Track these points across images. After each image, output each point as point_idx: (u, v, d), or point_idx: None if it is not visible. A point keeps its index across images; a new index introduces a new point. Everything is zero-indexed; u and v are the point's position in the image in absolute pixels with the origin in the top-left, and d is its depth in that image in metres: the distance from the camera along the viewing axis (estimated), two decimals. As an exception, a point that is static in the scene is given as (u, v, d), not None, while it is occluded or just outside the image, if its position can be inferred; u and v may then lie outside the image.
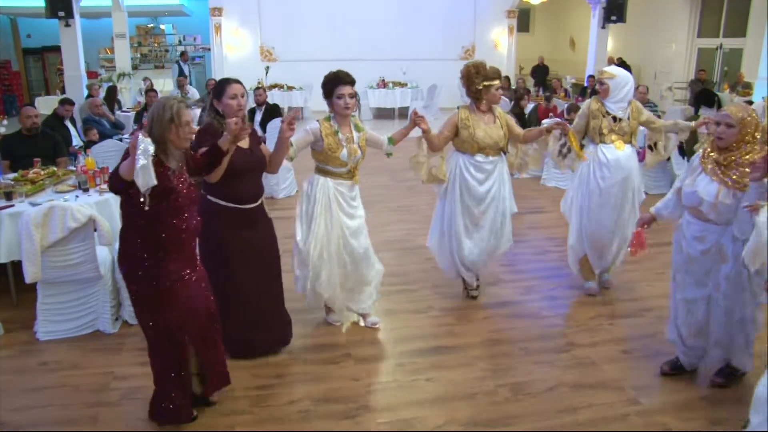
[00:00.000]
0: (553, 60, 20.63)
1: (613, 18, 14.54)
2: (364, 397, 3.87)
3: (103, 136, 8.73)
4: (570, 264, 5.47)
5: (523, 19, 21.15)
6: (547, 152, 5.31)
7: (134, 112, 11.32)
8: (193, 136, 3.30)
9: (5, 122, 6.68)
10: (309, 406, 3.76)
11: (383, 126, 15.71)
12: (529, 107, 11.12)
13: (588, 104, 5.15)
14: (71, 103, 9.08)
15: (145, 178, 2.87)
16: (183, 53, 17.59)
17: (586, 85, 14.74)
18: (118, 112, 11.80)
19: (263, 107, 9.59)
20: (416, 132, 4.73)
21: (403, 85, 16.63)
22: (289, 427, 3.59)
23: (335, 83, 4.29)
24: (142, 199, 3.04)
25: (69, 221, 4.33)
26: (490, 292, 5.44)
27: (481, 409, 3.76)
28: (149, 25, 21.70)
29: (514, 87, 14.54)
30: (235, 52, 17.95)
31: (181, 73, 16.60)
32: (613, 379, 4.08)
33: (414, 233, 6.86)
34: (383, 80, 16.59)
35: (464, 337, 4.65)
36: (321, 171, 4.42)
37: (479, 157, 4.89)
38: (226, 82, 3.94)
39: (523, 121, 9.90)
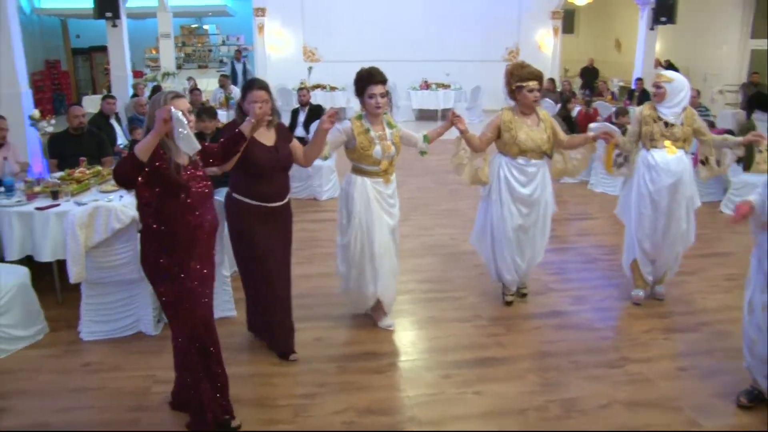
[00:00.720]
0: (598, 62, 20.20)
1: (663, 19, 14.12)
2: (410, 409, 3.74)
3: (148, 135, 8.74)
4: (623, 266, 5.31)
5: (567, 20, 20.76)
6: (591, 160, 5.18)
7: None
8: (191, 124, 3.12)
9: (53, 121, 6.73)
10: (353, 418, 3.64)
11: (426, 128, 15.52)
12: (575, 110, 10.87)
13: (640, 110, 5.01)
14: (113, 97, 9.13)
15: (190, 144, 2.98)
16: (237, 51, 17.47)
17: (633, 87, 14.37)
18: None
19: (306, 108, 9.51)
20: (454, 133, 4.71)
21: (446, 86, 16.47)
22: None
23: (367, 82, 4.26)
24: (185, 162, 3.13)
25: (113, 222, 4.30)
26: (539, 302, 5.27)
27: (531, 426, 3.61)
28: (193, 26, 21.90)
29: (560, 89, 14.27)
30: (277, 52, 17.98)
31: (233, 72, 16.62)
32: (670, 397, 3.88)
33: (458, 238, 6.72)
34: (426, 81, 16.44)
35: (513, 348, 4.49)
36: (357, 170, 4.41)
37: (521, 160, 4.79)
38: (250, 87, 3.95)
39: (571, 124, 9.66)
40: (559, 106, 12.31)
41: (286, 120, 10.24)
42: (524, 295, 5.27)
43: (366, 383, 4.03)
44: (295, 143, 4.18)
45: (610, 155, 5.03)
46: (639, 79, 14.01)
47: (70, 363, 4.29)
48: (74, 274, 4.32)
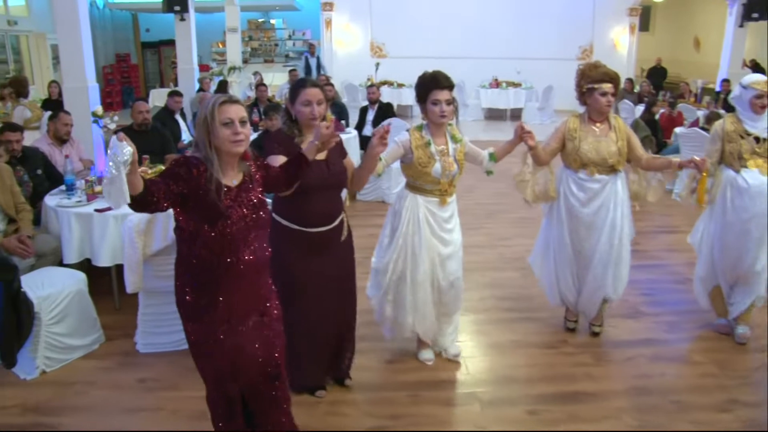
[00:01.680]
0: (674, 61, 19.26)
1: (755, 15, 13.18)
2: (492, 452, 3.33)
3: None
4: (697, 297, 4.70)
5: (643, 18, 19.87)
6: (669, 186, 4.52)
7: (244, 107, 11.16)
8: (242, 137, 2.55)
9: (116, 117, 6.55)
10: (429, 460, 3.25)
11: (494, 128, 15.10)
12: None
13: (721, 125, 4.35)
14: (180, 94, 8.97)
15: (113, 194, 2.17)
16: (311, 46, 17.28)
17: (718, 89, 13.53)
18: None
19: (376, 105, 9.16)
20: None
21: (516, 85, 15.94)
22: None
23: (431, 86, 3.71)
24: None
25: (172, 230, 4.00)
26: (629, 327, 4.77)
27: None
28: (260, 20, 21.86)
29: (637, 90, 13.57)
30: (344, 47, 17.78)
31: (307, 66, 16.42)
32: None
33: (537, 251, 6.21)
34: (496, 80, 15.95)
35: (605, 382, 4.02)
36: (411, 187, 3.87)
37: (582, 174, 4.22)
38: (301, 85, 3.37)
39: (655, 129, 9.04)
40: (638, 108, 11.68)
41: (353, 118, 9.95)
42: (596, 334, 4.58)
43: (442, 417, 3.65)
44: (349, 161, 3.61)
45: (703, 187, 4.24)
46: (725, 81, 13.14)
47: (125, 378, 4.04)
48: (131, 283, 4.05)
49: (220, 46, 20.66)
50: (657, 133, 9.01)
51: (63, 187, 5.22)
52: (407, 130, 3.85)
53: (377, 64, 16.14)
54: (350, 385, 3.84)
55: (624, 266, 4.38)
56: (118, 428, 3.52)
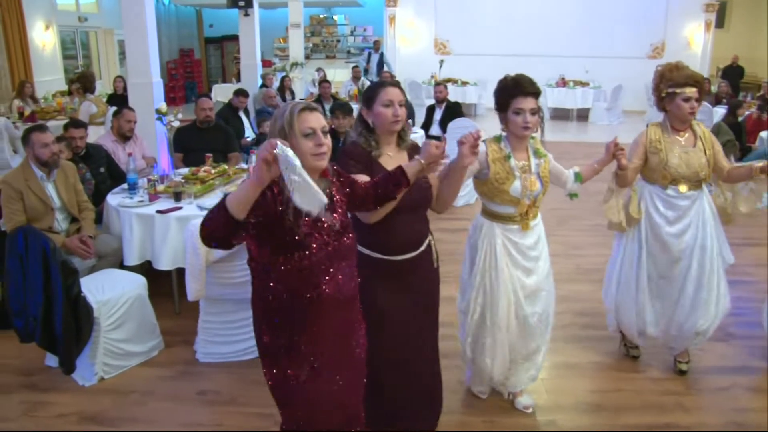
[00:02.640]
0: (751, 60, 18.33)
1: None
2: (579, 492, 3.03)
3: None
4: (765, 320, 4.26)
5: (718, 14, 19.01)
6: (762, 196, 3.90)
7: (308, 104, 11.04)
8: (325, 149, 2.23)
9: (180, 115, 6.46)
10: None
11: (559, 128, 14.62)
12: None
13: None
14: (246, 94, 8.86)
15: (309, 196, 1.97)
16: (376, 42, 17.00)
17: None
18: (290, 103, 11.59)
19: (443, 104, 8.87)
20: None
21: (584, 84, 15.41)
22: None
23: (514, 93, 3.19)
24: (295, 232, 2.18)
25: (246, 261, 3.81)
26: (721, 352, 4.37)
27: None
28: (322, 16, 21.81)
29: (714, 91, 12.91)
30: (407, 44, 17.53)
31: (370, 63, 16.21)
32: None
33: (614, 262, 5.83)
34: (563, 78, 15.46)
35: (699, 415, 3.66)
36: (486, 212, 3.40)
37: (671, 191, 3.78)
38: (380, 85, 2.92)
39: (739, 133, 8.50)
40: (716, 109, 11.10)
41: (420, 117, 9.68)
42: (683, 372, 4.05)
43: (521, 448, 3.35)
44: (433, 177, 2.94)
45: None
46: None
47: (185, 388, 3.88)
48: (193, 291, 3.88)
49: (282, 42, 20.71)
50: (741, 137, 8.48)
51: (125, 186, 5.12)
52: (484, 141, 3.25)
53: (441, 62, 15.81)
54: None
55: (719, 295, 3.89)
56: (176, 444, 3.36)
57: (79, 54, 15.77)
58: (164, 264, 4.60)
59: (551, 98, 15.46)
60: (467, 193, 7.68)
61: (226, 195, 2.08)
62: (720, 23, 20.11)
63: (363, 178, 2.68)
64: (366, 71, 15.44)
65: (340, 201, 2.39)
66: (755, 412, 3.70)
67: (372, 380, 2.70)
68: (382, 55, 16.20)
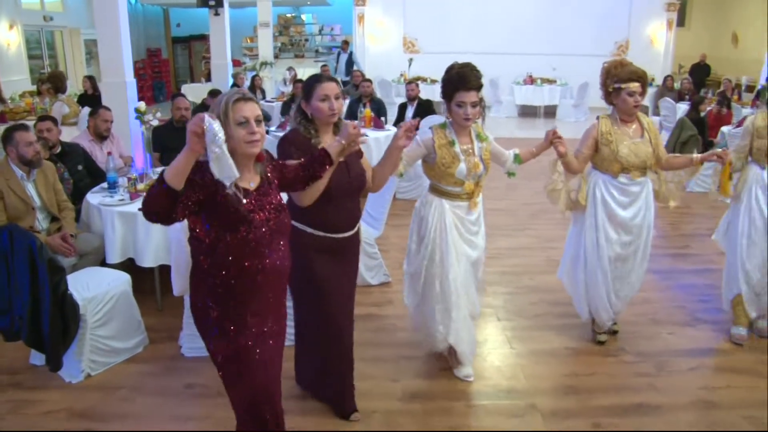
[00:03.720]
0: (711, 57, 18.82)
1: (800, 10, 12.84)
2: (560, 469, 3.18)
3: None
4: (723, 300, 4.61)
5: (679, 13, 19.47)
6: (687, 183, 4.36)
7: (281, 103, 11.06)
8: (258, 136, 2.41)
9: (159, 114, 6.45)
10: (495, 477, 3.11)
11: (528, 125, 14.86)
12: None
13: (752, 120, 4.24)
14: (221, 93, 8.89)
15: (224, 169, 2.18)
16: (344, 42, 17.08)
17: (760, 87, 13.19)
18: (261, 102, 11.59)
19: (415, 102, 8.99)
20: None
21: (551, 81, 15.68)
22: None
23: (458, 87, 3.45)
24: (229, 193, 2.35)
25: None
26: (689, 335, 4.58)
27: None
28: (289, 15, 21.81)
29: (678, 88, 13.24)
30: (377, 42, 17.65)
31: (345, 63, 16.29)
32: None
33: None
34: (531, 76, 15.71)
35: (669, 394, 3.83)
36: (435, 190, 3.68)
37: (623, 179, 4.04)
38: (316, 80, 3.15)
39: (702, 128, 8.76)
40: (679, 105, 11.41)
41: (392, 114, 9.80)
42: (615, 332, 4.53)
43: (505, 429, 3.49)
44: (365, 161, 3.35)
45: (726, 177, 4.16)
46: (771, 77, 12.82)
47: (172, 383, 3.94)
48: (179, 286, 3.92)
49: (249, 41, 20.68)
50: (704, 132, 8.74)
51: (104, 185, 5.14)
52: (430, 128, 3.61)
53: (410, 60, 15.96)
54: (357, 419, 3.52)
55: (646, 263, 4.35)
56: (167, 436, 3.42)
57: (45, 54, 15.59)
58: (148, 261, 4.64)
59: (519, 95, 15.70)
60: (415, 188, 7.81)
61: (164, 170, 2.24)
62: (681, 22, 20.61)
63: (293, 163, 2.86)
64: (335, 70, 15.53)
65: (275, 184, 2.61)
66: (721, 389, 3.91)
67: (308, 342, 3.15)
68: (351, 54, 16.30)
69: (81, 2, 16.56)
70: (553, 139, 3.81)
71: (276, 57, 18.90)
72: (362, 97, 9.17)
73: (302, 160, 2.81)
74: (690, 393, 3.87)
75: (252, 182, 2.49)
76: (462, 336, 3.77)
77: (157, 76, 20.47)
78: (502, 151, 3.84)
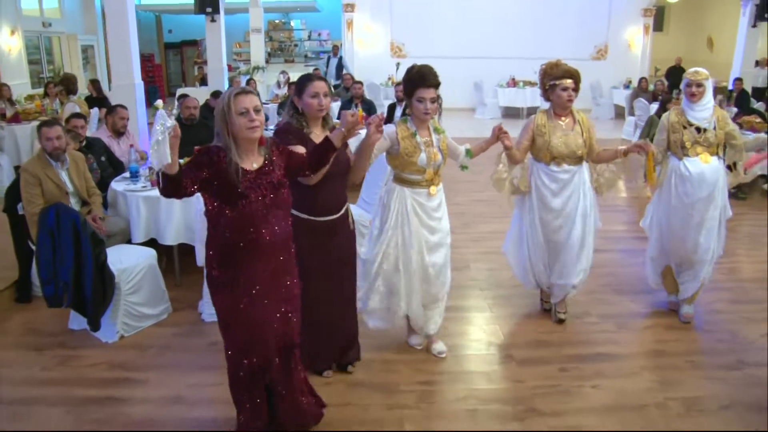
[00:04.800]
0: (688, 61, 19.56)
1: (768, 15, 13.59)
2: (530, 399, 3.79)
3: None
4: (648, 276, 5.11)
5: (656, 18, 20.23)
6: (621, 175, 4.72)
7: (276, 104, 11.63)
8: (257, 123, 2.84)
9: (175, 111, 6.98)
10: (476, 405, 3.73)
11: (511, 125, 15.39)
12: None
13: (667, 116, 4.66)
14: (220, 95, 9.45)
15: (158, 155, 2.55)
16: (335, 47, 17.61)
17: (731, 88, 13.90)
18: (257, 105, 12.13)
19: (404, 103, 9.57)
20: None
21: (533, 84, 16.28)
22: (460, 427, 3.56)
23: (418, 84, 3.79)
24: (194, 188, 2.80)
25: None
26: (645, 301, 5.21)
27: (652, 422, 3.60)
28: (278, 21, 22.38)
29: (652, 89, 13.95)
30: (365, 47, 18.23)
31: (334, 67, 16.85)
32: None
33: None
34: (513, 79, 16.37)
35: (627, 346, 4.48)
36: (397, 179, 4.01)
37: (553, 166, 4.48)
38: (308, 79, 3.59)
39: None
40: (653, 106, 12.08)
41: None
42: (561, 321, 4.80)
43: (485, 373, 4.13)
44: (349, 152, 3.74)
45: (651, 168, 4.50)
46: (738, 79, 13.55)
47: (197, 342, 4.51)
48: (203, 256, 4.50)
49: (239, 46, 21.23)
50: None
51: (126, 175, 5.72)
52: (394, 122, 3.99)
53: (398, 64, 16.54)
54: (352, 371, 4.06)
55: (589, 254, 4.66)
56: (198, 383, 3.97)
57: (44, 58, 16.05)
58: (169, 240, 5.25)
59: (503, 97, 16.33)
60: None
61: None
62: (659, 27, 21.39)
63: (300, 149, 3.33)
64: (326, 74, 16.12)
65: (279, 165, 3.02)
66: (671, 341, 4.55)
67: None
68: (341, 58, 16.91)
69: (78, 9, 17.08)
70: (499, 134, 4.20)
71: (267, 62, 19.47)
72: (353, 99, 9.80)
73: (309, 149, 3.28)
74: (644, 345, 4.54)
75: (255, 164, 2.92)
76: (415, 311, 4.15)
77: (150, 81, 20.94)
78: (456, 146, 4.19)
